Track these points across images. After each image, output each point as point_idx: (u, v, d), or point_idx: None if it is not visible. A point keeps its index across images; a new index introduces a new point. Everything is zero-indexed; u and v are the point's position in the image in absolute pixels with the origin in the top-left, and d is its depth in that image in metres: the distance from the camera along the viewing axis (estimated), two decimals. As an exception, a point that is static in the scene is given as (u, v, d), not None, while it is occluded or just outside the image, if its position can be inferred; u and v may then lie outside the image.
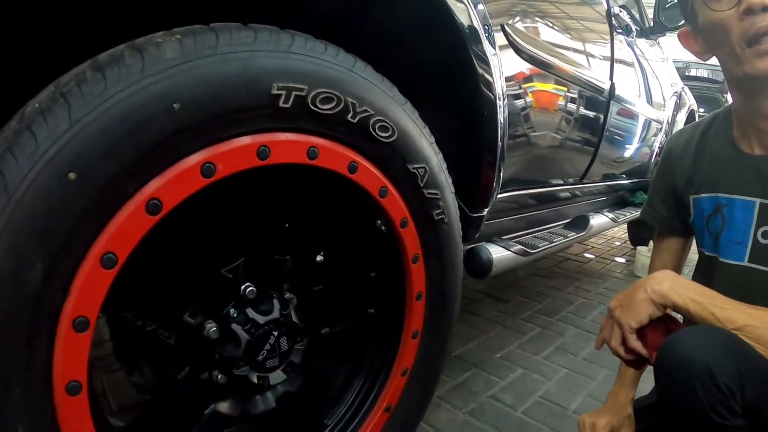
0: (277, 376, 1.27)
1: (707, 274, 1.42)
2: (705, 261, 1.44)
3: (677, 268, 1.61)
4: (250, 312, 1.16)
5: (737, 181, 1.34)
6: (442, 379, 2.23)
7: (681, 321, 1.26)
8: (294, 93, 0.96)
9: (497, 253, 1.86)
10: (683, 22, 1.37)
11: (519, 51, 1.79)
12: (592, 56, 2.52)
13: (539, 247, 2.14)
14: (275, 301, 1.21)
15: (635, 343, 1.21)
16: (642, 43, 3.43)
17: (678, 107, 4.12)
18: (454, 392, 2.20)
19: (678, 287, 1.20)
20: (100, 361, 1.97)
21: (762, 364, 1.09)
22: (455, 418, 2.03)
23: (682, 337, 1.11)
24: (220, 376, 1.17)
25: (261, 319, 1.17)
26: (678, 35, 1.39)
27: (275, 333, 1.19)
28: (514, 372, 2.43)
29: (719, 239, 1.38)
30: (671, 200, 1.55)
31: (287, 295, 1.26)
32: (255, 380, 1.21)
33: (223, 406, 1.26)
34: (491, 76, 1.47)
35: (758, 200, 1.29)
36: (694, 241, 1.58)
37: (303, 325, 1.28)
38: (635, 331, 1.21)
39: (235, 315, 1.14)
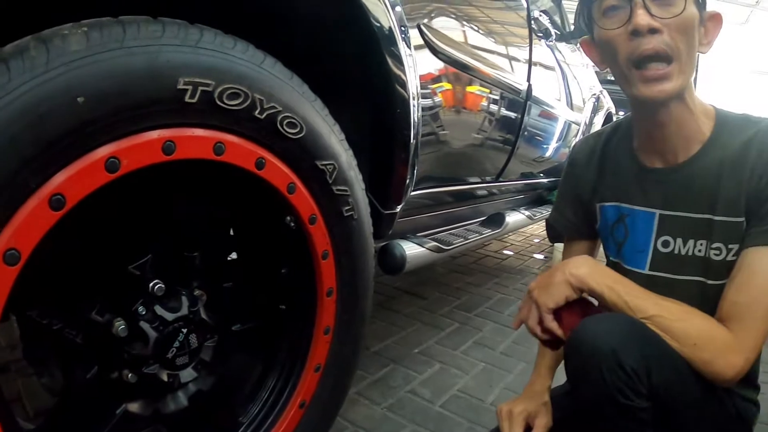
0: (187, 374, 1.25)
1: None
2: (610, 265, 1.49)
3: None
4: (159, 309, 1.15)
5: (638, 193, 1.39)
6: (360, 375, 2.25)
7: (597, 304, 1.29)
8: (200, 88, 0.96)
9: (411, 249, 1.88)
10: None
11: (436, 51, 1.81)
12: (510, 58, 2.57)
13: (454, 244, 2.17)
14: (184, 298, 1.20)
15: (551, 324, 1.25)
16: (563, 47, 3.51)
17: (596, 109, 4.24)
18: (372, 388, 2.22)
19: (595, 273, 1.25)
20: (16, 364, 1.92)
21: (668, 349, 1.15)
22: (373, 413, 2.04)
23: (591, 323, 1.16)
24: (129, 375, 1.15)
25: (169, 316, 1.16)
26: (580, 43, 1.42)
27: (184, 330, 1.18)
28: (432, 367, 2.46)
29: (623, 248, 1.44)
30: (578, 207, 1.59)
31: (197, 292, 1.25)
32: (165, 378, 1.20)
33: (135, 406, 1.23)
34: (405, 75, 1.49)
35: (658, 211, 1.35)
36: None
37: (213, 322, 1.28)
38: (551, 312, 1.25)
39: (144, 312, 1.13)
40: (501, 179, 2.81)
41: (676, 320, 1.17)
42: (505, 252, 4.80)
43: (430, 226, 2.32)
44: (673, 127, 1.28)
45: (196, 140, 0.99)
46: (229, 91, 1.00)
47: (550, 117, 3.22)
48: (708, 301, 1.26)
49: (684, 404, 1.20)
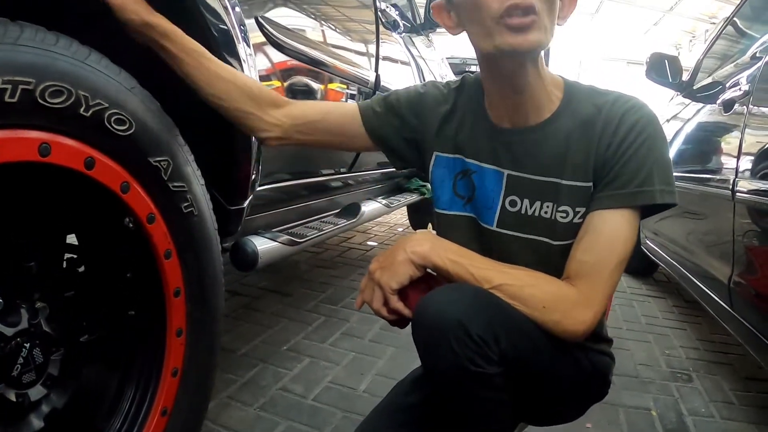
0: (37, 392, 1.18)
1: (444, 229, 1.48)
2: (436, 217, 1.51)
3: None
4: (-1, 325, 1.09)
5: (487, 151, 1.38)
6: (229, 378, 2.23)
7: (443, 281, 1.28)
8: (21, 87, 0.91)
9: (263, 244, 1.86)
10: None
11: (279, 46, 1.81)
12: (357, 50, 2.61)
13: (308, 236, 2.16)
14: (23, 311, 1.14)
15: (397, 304, 1.23)
16: (416, 40, 3.58)
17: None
18: (242, 390, 2.20)
19: (438, 248, 1.24)
20: None
21: (515, 314, 1.17)
22: (247, 415, 2.03)
23: (434, 296, 1.15)
24: (-26, 399, 1.08)
25: (9, 331, 1.09)
26: (432, 7, 1.38)
27: (27, 345, 1.12)
28: (301, 362, 2.47)
29: (473, 203, 1.43)
30: (403, 131, 1.53)
31: (38, 304, 1.18)
32: (14, 398, 1.13)
33: (-14, 434, 1.17)
34: (243, 71, 1.49)
35: (506, 171, 1.35)
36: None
37: (57, 335, 1.21)
38: (396, 292, 1.24)
39: (-18, 330, 1.06)
40: (354, 170, 2.82)
41: (523, 286, 1.19)
42: (369, 243, 4.85)
43: (287, 220, 2.30)
44: (527, 89, 1.28)
45: (19, 142, 0.94)
46: (51, 89, 0.96)
47: (402, 106, 3.26)
48: (549, 260, 1.30)
49: (538, 365, 1.22)
